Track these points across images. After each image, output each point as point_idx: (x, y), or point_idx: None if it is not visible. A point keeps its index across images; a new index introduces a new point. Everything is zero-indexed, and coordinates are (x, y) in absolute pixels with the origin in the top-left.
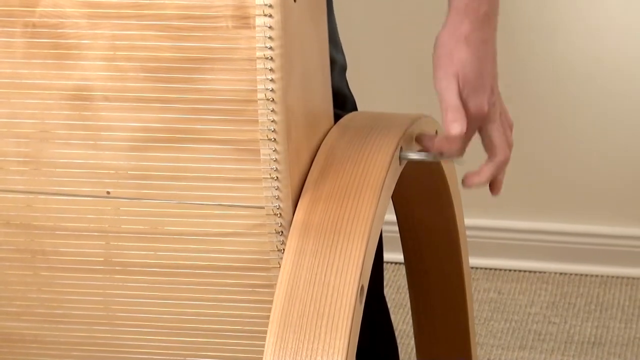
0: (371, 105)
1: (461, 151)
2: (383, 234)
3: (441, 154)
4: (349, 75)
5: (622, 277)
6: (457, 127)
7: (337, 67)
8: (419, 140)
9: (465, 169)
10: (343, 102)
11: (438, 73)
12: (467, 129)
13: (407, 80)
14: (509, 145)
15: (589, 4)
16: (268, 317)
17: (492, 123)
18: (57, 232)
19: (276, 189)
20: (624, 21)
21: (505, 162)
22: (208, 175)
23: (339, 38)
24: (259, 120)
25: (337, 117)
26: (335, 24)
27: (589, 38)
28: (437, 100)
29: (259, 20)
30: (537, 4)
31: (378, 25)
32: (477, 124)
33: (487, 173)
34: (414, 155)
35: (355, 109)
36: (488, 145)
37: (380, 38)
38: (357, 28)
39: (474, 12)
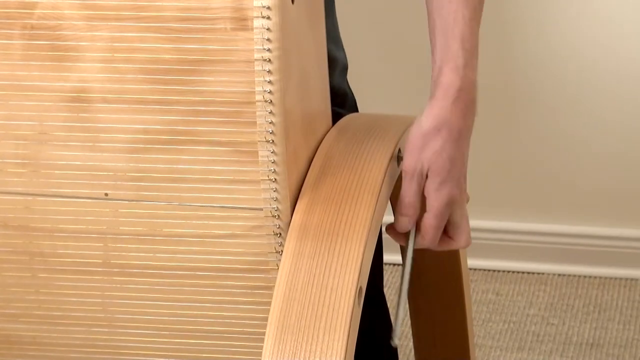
0: (371, 104)
1: (436, 241)
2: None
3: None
4: (349, 74)
5: (621, 279)
6: (404, 222)
7: (339, 65)
8: (389, 233)
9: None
10: (343, 101)
11: (408, 159)
12: (439, 217)
13: (407, 80)
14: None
15: (585, 5)
16: (267, 319)
17: (460, 208)
18: (55, 234)
19: (274, 191)
20: (624, 21)
21: (463, 247)
22: (206, 177)
23: (340, 37)
24: (257, 122)
25: (337, 116)
26: (337, 23)
27: (589, 38)
28: None
29: (257, 22)
30: (534, 5)
31: (378, 24)
32: (450, 210)
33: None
34: None
35: (356, 107)
36: (452, 228)
37: (380, 37)
38: (357, 27)
39: (465, 97)
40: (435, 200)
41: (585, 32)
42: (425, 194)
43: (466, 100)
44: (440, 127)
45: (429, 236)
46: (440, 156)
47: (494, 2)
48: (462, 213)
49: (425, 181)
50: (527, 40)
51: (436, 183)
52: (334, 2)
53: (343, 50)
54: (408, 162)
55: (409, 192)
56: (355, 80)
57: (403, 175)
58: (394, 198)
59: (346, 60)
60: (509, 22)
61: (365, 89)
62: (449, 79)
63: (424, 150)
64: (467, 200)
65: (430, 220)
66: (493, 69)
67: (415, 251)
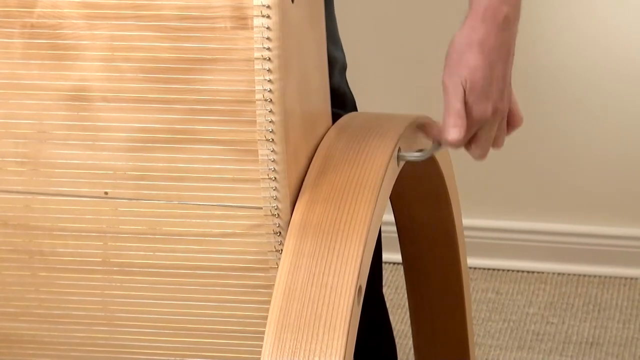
0: (371, 104)
1: (460, 145)
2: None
3: (439, 144)
4: (348, 74)
5: (620, 278)
6: (455, 132)
7: (338, 65)
8: (422, 128)
9: (464, 171)
10: (343, 101)
11: (446, 74)
12: (468, 130)
13: (406, 80)
14: (492, 145)
15: (586, 7)
16: (266, 318)
17: (490, 128)
18: (55, 233)
19: (274, 190)
20: (624, 21)
21: (480, 158)
22: (206, 175)
23: (339, 37)
24: (257, 121)
25: (337, 116)
26: (336, 23)
27: (589, 38)
28: (437, 101)
29: (257, 21)
30: (535, 7)
31: (378, 24)
32: (478, 125)
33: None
34: (412, 156)
35: (355, 108)
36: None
37: (380, 37)
38: (357, 27)
39: (492, 17)
40: (469, 114)
41: (585, 32)
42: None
43: (495, 18)
44: (472, 43)
45: (457, 143)
46: (476, 72)
47: None
48: (490, 129)
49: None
50: (527, 40)
51: (471, 98)
52: (332, 2)
53: (342, 50)
54: (447, 77)
55: (454, 102)
56: (355, 80)
57: (444, 91)
58: (394, 197)
59: (345, 60)
60: None
61: (364, 89)
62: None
63: (460, 65)
64: (519, 123)
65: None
66: None
67: None
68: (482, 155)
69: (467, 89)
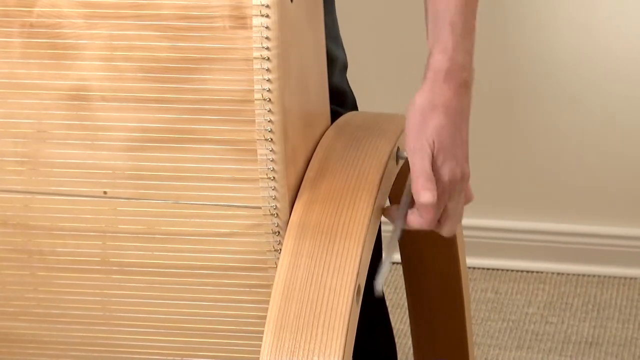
0: (371, 103)
1: (432, 224)
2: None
3: (400, 227)
4: (349, 73)
5: (620, 277)
6: (428, 195)
7: (338, 64)
8: (386, 214)
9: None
10: (343, 100)
11: (412, 137)
12: (439, 198)
13: (407, 79)
14: (457, 221)
15: (585, 5)
16: (265, 317)
17: (458, 196)
18: (54, 232)
19: (273, 189)
20: (623, 21)
21: (451, 233)
22: (205, 175)
23: (340, 36)
24: (256, 121)
25: (337, 115)
26: (337, 22)
27: (589, 38)
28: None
29: (256, 21)
30: (532, 4)
31: (378, 23)
32: (450, 192)
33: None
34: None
35: (356, 106)
36: (443, 213)
37: (380, 36)
38: (357, 26)
39: (453, 80)
40: (439, 178)
41: (585, 31)
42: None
43: (456, 81)
44: (435, 103)
45: (428, 215)
46: (442, 131)
47: (494, 2)
48: (459, 200)
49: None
50: (527, 39)
51: (440, 160)
52: (333, 1)
53: (343, 49)
54: (412, 141)
55: (422, 166)
56: (355, 79)
57: (410, 155)
58: (393, 196)
59: (346, 59)
60: (509, 22)
61: (365, 88)
62: (438, 61)
63: (426, 126)
64: (470, 200)
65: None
66: (493, 69)
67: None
68: (453, 230)
69: (435, 150)
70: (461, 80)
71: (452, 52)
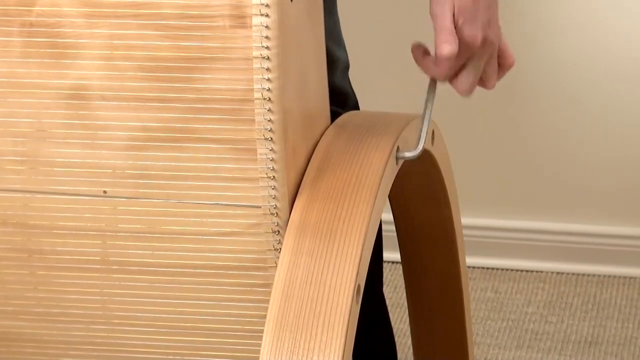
0: (372, 104)
1: (446, 76)
2: (381, 233)
3: (433, 83)
4: (351, 74)
5: (619, 277)
6: (447, 48)
7: (340, 65)
8: (413, 51)
9: (463, 170)
10: (345, 101)
11: (434, 2)
12: (457, 55)
13: (409, 79)
14: (483, 85)
15: (585, 5)
16: (265, 317)
17: (479, 59)
18: (54, 232)
19: (273, 189)
20: (623, 20)
21: (466, 92)
22: (205, 174)
23: (342, 36)
24: (256, 120)
25: (338, 116)
26: (339, 22)
27: (587, 38)
28: (439, 100)
29: (256, 20)
30: (534, 5)
31: (380, 23)
32: (468, 54)
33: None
34: (411, 155)
35: (357, 107)
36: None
37: (382, 36)
38: (359, 26)
39: None
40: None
41: (585, 31)
42: None
43: None
44: None
45: (443, 67)
46: None
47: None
48: (478, 63)
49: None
50: (527, 39)
51: (459, 22)
52: (335, 1)
53: (345, 49)
54: (433, 5)
55: (444, 21)
56: (357, 80)
57: (433, 17)
58: (393, 196)
59: (348, 59)
60: (508, 21)
61: (367, 88)
62: None
63: None
64: (511, 64)
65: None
66: None
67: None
68: (468, 90)
69: (455, 11)
70: None
71: None
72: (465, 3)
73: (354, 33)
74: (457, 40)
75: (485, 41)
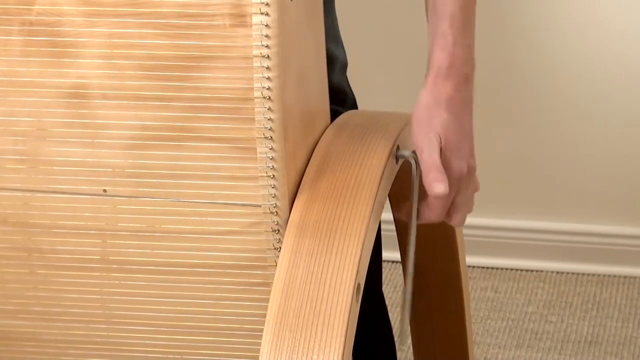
0: (371, 103)
1: (442, 216)
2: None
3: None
4: (349, 72)
5: (619, 276)
6: (440, 187)
7: (338, 64)
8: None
9: None
10: (343, 100)
11: (419, 134)
12: (451, 188)
13: (407, 78)
14: (468, 211)
15: (586, 5)
16: (265, 316)
17: (466, 189)
18: (54, 230)
19: (273, 187)
20: (622, 20)
21: (461, 224)
22: (205, 173)
23: (340, 35)
24: (256, 119)
25: (337, 115)
26: (337, 21)
27: (587, 38)
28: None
29: (256, 19)
30: (534, 5)
31: (378, 22)
32: (458, 187)
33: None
34: (411, 154)
35: (355, 106)
36: (451, 206)
37: (380, 35)
38: (357, 25)
39: (457, 74)
40: (447, 174)
41: (585, 32)
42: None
43: (457, 77)
44: (439, 101)
45: (437, 210)
46: (447, 128)
47: (495, 2)
48: (466, 192)
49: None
50: (527, 40)
51: (447, 156)
52: (333, 0)
53: (343, 48)
54: (420, 136)
55: (433, 159)
56: (355, 79)
57: (419, 151)
58: (393, 195)
59: (346, 58)
60: (509, 22)
61: (365, 87)
62: (439, 57)
63: (432, 122)
64: (476, 190)
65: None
66: (494, 69)
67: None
68: (462, 221)
69: (442, 146)
70: (462, 75)
71: (452, 48)
72: (452, 135)
73: (352, 32)
74: (446, 178)
75: (470, 170)
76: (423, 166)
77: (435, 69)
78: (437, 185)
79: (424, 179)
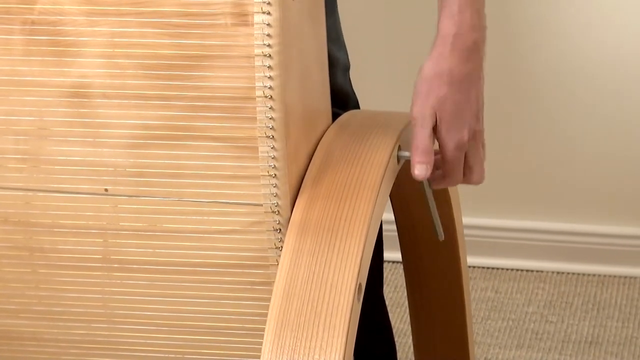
0: (373, 104)
1: (459, 179)
2: (382, 233)
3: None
4: (351, 74)
5: (620, 277)
6: (422, 170)
7: (340, 66)
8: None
9: None
10: (346, 101)
11: (416, 106)
12: (450, 161)
13: (409, 79)
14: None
15: (586, 5)
16: (266, 315)
17: (473, 149)
18: (55, 230)
19: (274, 187)
20: (622, 20)
21: (480, 181)
22: (206, 172)
23: (342, 37)
24: (257, 118)
25: (338, 117)
26: (339, 23)
27: (588, 38)
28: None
29: (257, 18)
30: (535, 6)
31: (380, 24)
32: (461, 153)
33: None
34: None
35: (358, 108)
36: (465, 168)
37: (382, 37)
38: (359, 27)
39: (461, 44)
40: (444, 145)
41: (587, 31)
42: (437, 138)
43: (464, 45)
44: (441, 73)
45: (454, 175)
46: (445, 102)
47: (496, 2)
48: (476, 153)
49: (436, 126)
50: (528, 40)
51: (444, 129)
52: (335, 1)
53: (345, 50)
54: (415, 110)
55: (421, 138)
56: (358, 80)
57: (412, 123)
58: (394, 195)
59: (348, 60)
60: (509, 22)
61: (367, 89)
62: (445, 25)
63: (429, 97)
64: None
65: (442, 164)
66: (494, 69)
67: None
68: (480, 179)
69: (437, 120)
70: (469, 43)
71: (458, 15)
72: (447, 109)
73: (354, 33)
74: (432, 160)
75: (473, 135)
76: (412, 143)
77: (441, 38)
78: (419, 166)
79: (411, 156)
